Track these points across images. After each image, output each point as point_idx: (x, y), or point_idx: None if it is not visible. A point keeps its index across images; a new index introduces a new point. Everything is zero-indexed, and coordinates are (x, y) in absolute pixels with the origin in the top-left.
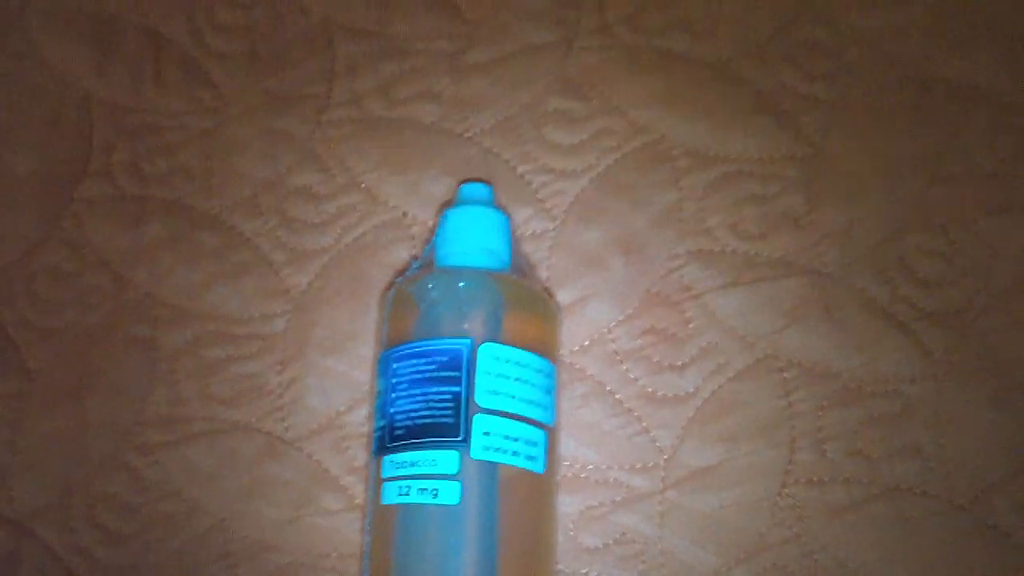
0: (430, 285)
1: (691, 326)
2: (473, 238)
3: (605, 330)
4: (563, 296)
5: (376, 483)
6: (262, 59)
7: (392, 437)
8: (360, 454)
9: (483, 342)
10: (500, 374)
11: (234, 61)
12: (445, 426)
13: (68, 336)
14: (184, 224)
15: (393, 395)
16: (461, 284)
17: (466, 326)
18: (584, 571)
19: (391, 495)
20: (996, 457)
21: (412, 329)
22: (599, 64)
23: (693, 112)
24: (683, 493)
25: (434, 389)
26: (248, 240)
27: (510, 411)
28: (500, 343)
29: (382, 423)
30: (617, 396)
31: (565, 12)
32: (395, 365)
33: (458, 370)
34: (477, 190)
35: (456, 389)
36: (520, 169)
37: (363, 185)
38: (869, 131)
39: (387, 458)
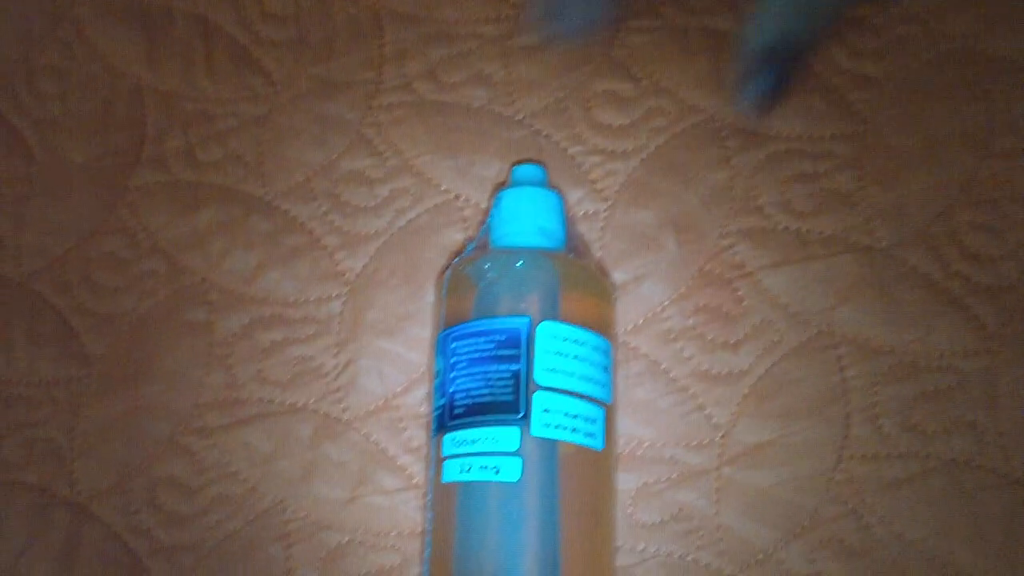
0: (487, 265)
1: (744, 304)
2: (528, 218)
3: (659, 309)
4: (616, 276)
5: (437, 461)
6: (311, 46)
7: (452, 415)
8: (417, 434)
9: (541, 320)
10: (559, 352)
11: (284, 48)
12: (505, 404)
13: (125, 322)
14: (238, 210)
15: (452, 374)
16: (519, 264)
17: (524, 305)
18: (641, 547)
19: (452, 472)
20: None
21: (470, 309)
22: (647, 44)
23: None
24: (739, 469)
25: (493, 367)
26: (302, 224)
27: (569, 388)
28: (558, 321)
29: (442, 402)
30: (672, 374)
31: None
32: (454, 344)
33: (517, 348)
34: (531, 171)
35: (516, 367)
36: (571, 151)
37: (415, 169)
38: (918, 107)
39: (448, 436)
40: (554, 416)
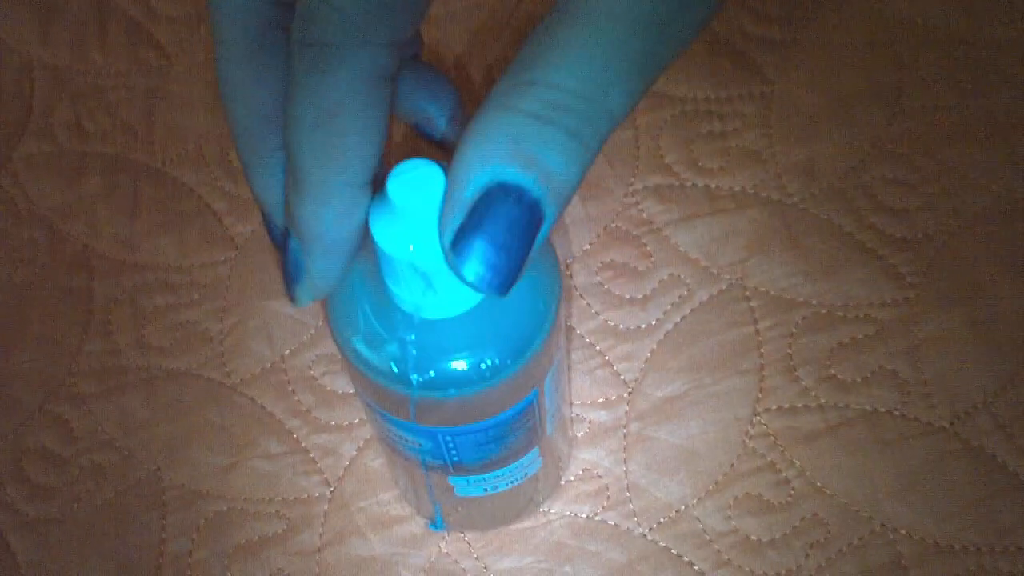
0: None
1: (652, 259)
2: None
3: (563, 267)
4: None
5: None
6: (207, 20)
7: None
8: (305, 397)
9: None
10: None
11: (179, 23)
12: None
13: (1, 290)
14: (125, 177)
15: None
16: None
17: None
18: (546, 508)
19: None
20: (975, 378)
21: None
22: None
23: None
24: (647, 425)
25: None
26: (191, 190)
27: None
28: None
29: None
30: (578, 331)
31: None
32: None
33: None
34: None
35: None
36: None
37: None
38: (825, 68)
39: None
40: None
